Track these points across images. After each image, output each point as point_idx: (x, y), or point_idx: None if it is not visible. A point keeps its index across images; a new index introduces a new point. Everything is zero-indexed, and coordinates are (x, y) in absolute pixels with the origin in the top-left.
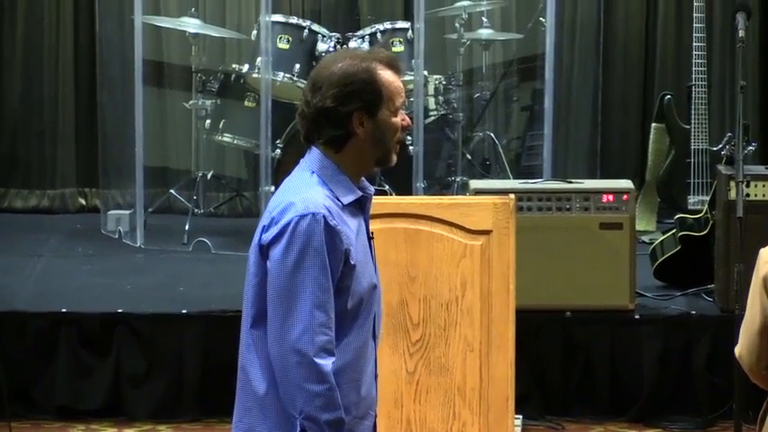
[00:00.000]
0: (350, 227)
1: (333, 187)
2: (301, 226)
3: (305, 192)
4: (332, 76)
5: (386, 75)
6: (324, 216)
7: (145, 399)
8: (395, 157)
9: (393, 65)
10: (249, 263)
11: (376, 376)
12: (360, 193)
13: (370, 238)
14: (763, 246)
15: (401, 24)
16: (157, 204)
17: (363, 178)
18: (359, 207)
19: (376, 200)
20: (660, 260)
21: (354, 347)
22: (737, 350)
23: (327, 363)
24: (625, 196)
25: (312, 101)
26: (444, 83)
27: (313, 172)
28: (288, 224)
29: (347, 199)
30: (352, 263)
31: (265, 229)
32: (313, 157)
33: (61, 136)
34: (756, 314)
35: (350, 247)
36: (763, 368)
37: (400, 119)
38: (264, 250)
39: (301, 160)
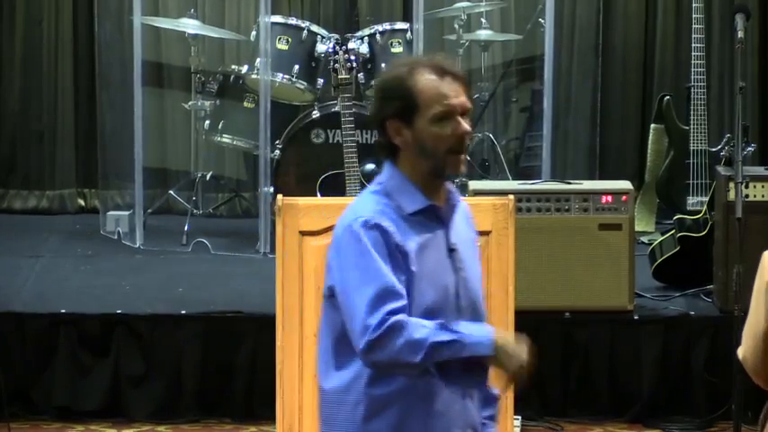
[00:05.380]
0: (414, 236)
1: (398, 197)
2: (355, 229)
3: (356, 205)
4: (376, 83)
5: (424, 79)
6: (372, 218)
7: (144, 399)
8: (454, 168)
9: (439, 68)
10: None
11: (467, 395)
12: (428, 203)
13: (451, 250)
14: (764, 247)
15: (400, 25)
16: (157, 205)
17: (449, 189)
18: (434, 217)
19: None
20: (659, 261)
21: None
22: (741, 352)
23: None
24: (624, 197)
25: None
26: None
27: (380, 183)
28: (339, 235)
29: (412, 208)
30: (413, 269)
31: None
32: (385, 166)
33: (60, 137)
34: (762, 317)
35: (409, 252)
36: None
37: (452, 127)
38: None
39: None
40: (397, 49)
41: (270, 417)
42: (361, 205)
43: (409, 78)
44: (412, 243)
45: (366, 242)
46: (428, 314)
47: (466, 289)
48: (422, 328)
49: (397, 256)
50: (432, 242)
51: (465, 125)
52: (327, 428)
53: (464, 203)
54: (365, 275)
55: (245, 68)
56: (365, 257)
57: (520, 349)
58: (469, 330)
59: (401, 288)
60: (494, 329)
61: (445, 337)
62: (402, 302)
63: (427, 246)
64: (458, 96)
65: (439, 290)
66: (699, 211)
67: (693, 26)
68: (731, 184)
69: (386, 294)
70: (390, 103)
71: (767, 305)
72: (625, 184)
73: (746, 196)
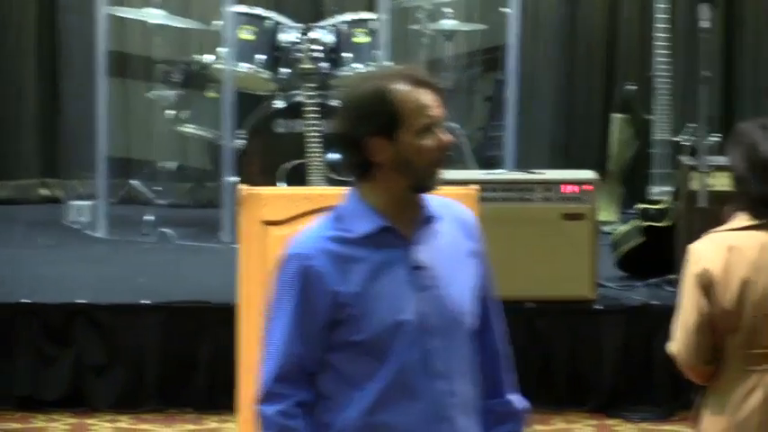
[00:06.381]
0: (363, 261)
1: (349, 221)
2: (286, 265)
3: (303, 232)
4: (346, 100)
5: (405, 92)
6: (306, 257)
7: (106, 389)
8: (438, 181)
9: (420, 80)
10: None
11: (445, 418)
12: (379, 225)
13: (416, 268)
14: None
15: (365, 15)
16: (119, 195)
17: (427, 203)
18: (392, 237)
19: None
20: (622, 250)
21: (378, 389)
22: (674, 347)
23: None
24: (588, 187)
25: (332, 127)
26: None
27: (336, 208)
28: (283, 260)
29: (361, 231)
30: (342, 301)
31: None
32: (349, 190)
33: (24, 127)
34: (691, 311)
35: (338, 289)
36: (701, 364)
37: (434, 140)
38: None
39: None
40: (362, 39)
41: (231, 407)
42: (306, 234)
43: (389, 92)
44: (356, 272)
45: (290, 286)
46: (376, 339)
47: (437, 308)
48: None
49: (316, 302)
50: (387, 264)
51: (447, 136)
52: None
53: (461, 213)
54: (277, 334)
55: (209, 58)
56: (282, 306)
57: None
58: None
59: (304, 364)
60: None
61: None
62: (294, 395)
63: (381, 268)
64: (437, 107)
65: (391, 313)
66: (662, 201)
67: (657, 16)
68: (694, 174)
69: (286, 377)
70: (370, 120)
71: (696, 298)
72: (588, 174)
73: (710, 186)
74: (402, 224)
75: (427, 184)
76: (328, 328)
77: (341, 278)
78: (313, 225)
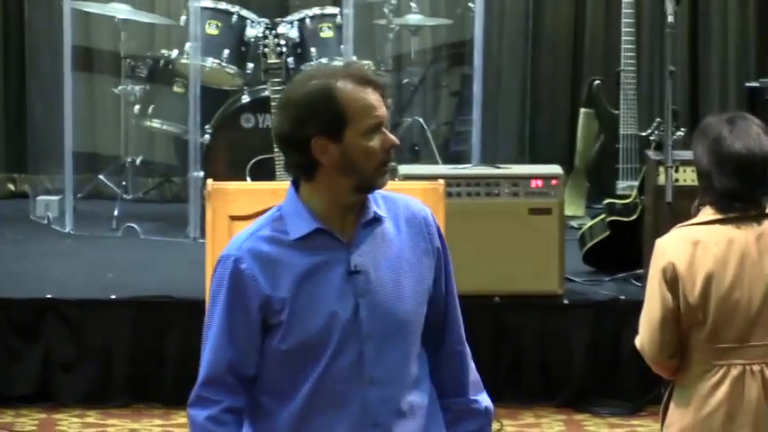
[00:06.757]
0: (297, 264)
1: (288, 221)
2: (218, 267)
3: (243, 232)
4: (289, 98)
5: (351, 91)
6: (238, 259)
7: (74, 384)
8: (381, 181)
9: (365, 79)
10: None
11: (376, 424)
12: (313, 227)
13: (352, 272)
14: None
15: (330, 10)
16: (86, 190)
17: (370, 204)
18: (329, 240)
19: None
20: (589, 245)
21: (305, 396)
22: (638, 342)
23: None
24: (554, 181)
25: (275, 125)
26: (373, 68)
27: (279, 207)
28: (217, 262)
29: (297, 233)
30: (273, 305)
31: None
32: (289, 189)
33: None
34: (657, 305)
35: (269, 293)
36: (666, 358)
37: (380, 140)
38: None
39: None
40: (327, 34)
41: None
42: (242, 234)
43: (334, 91)
44: (286, 276)
45: (221, 288)
46: (304, 345)
47: (375, 312)
48: None
49: (247, 304)
50: (322, 267)
51: (393, 137)
52: None
53: (413, 210)
54: (210, 338)
55: (174, 53)
56: (215, 309)
57: None
58: None
59: (236, 368)
60: None
61: None
62: (223, 400)
63: (313, 273)
64: (382, 107)
65: (322, 318)
66: (628, 196)
67: (623, 10)
68: (661, 169)
69: (216, 382)
70: (314, 119)
71: (662, 293)
72: (555, 169)
73: (676, 180)
74: (342, 226)
75: (372, 184)
76: (263, 331)
77: (270, 282)
78: (253, 224)
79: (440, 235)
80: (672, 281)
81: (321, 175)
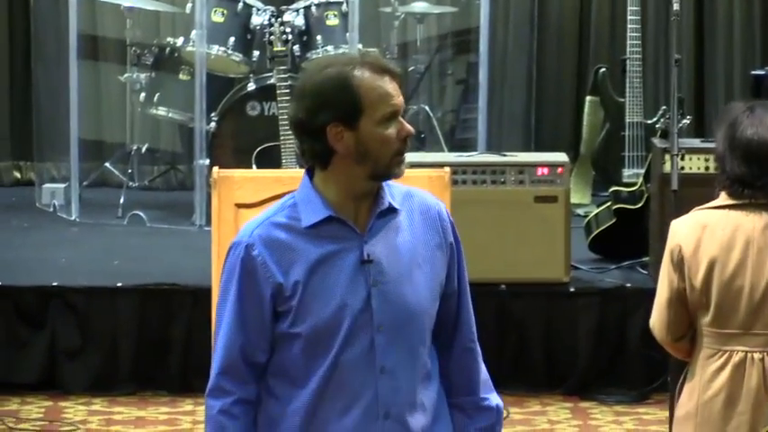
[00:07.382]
0: (310, 252)
1: (302, 208)
2: (229, 254)
3: (257, 217)
4: (305, 85)
5: (368, 79)
6: (251, 246)
7: (80, 372)
8: (398, 171)
9: (382, 67)
10: None
11: (387, 414)
12: (326, 214)
13: (365, 262)
14: None
15: None
16: (92, 178)
17: (385, 194)
18: (342, 229)
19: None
20: (595, 233)
21: (317, 384)
22: (651, 322)
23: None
24: (560, 169)
25: (290, 113)
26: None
27: (293, 195)
28: (229, 248)
29: (310, 221)
30: (284, 292)
31: None
32: (304, 176)
33: None
34: (665, 286)
35: (280, 279)
36: (672, 340)
37: (396, 128)
38: None
39: None
40: (333, 22)
41: (205, 390)
42: (256, 220)
43: (350, 78)
44: (298, 263)
45: (233, 275)
46: (315, 333)
47: (386, 303)
48: None
49: (259, 290)
50: (335, 255)
51: (408, 126)
52: None
53: (428, 204)
54: (222, 325)
55: (180, 41)
56: (227, 296)
57: None
58: None
59: (248, 355)
60: None
61: None
62: (236, 391)
63: (327, 260)
64: (398, 95)
65: (333, 306)
66: (634, 184)
67: None
68: (667, 157)
69: (230, 371)
70: (330, 106)
71: (669, 274)
72: (561, 157)
73: (682, 168)
74: (355, 215)
75: (388, 172)
76: (275, 318)
77: (282, 268)
78: (266, 210)
79: (453, 230)
80: (678, 263)
81: (336, 162)
